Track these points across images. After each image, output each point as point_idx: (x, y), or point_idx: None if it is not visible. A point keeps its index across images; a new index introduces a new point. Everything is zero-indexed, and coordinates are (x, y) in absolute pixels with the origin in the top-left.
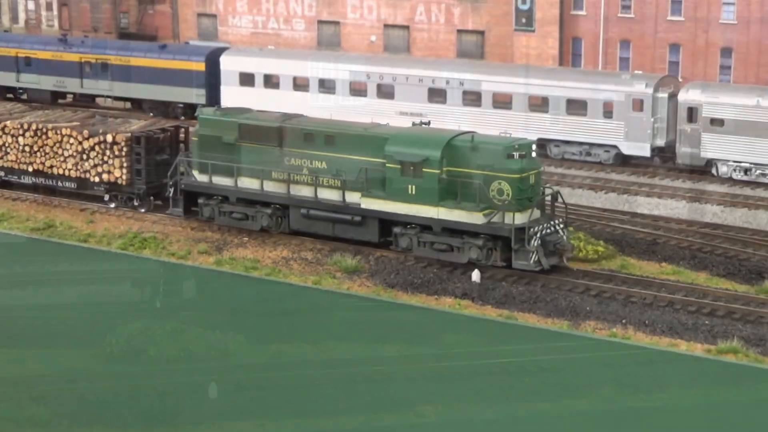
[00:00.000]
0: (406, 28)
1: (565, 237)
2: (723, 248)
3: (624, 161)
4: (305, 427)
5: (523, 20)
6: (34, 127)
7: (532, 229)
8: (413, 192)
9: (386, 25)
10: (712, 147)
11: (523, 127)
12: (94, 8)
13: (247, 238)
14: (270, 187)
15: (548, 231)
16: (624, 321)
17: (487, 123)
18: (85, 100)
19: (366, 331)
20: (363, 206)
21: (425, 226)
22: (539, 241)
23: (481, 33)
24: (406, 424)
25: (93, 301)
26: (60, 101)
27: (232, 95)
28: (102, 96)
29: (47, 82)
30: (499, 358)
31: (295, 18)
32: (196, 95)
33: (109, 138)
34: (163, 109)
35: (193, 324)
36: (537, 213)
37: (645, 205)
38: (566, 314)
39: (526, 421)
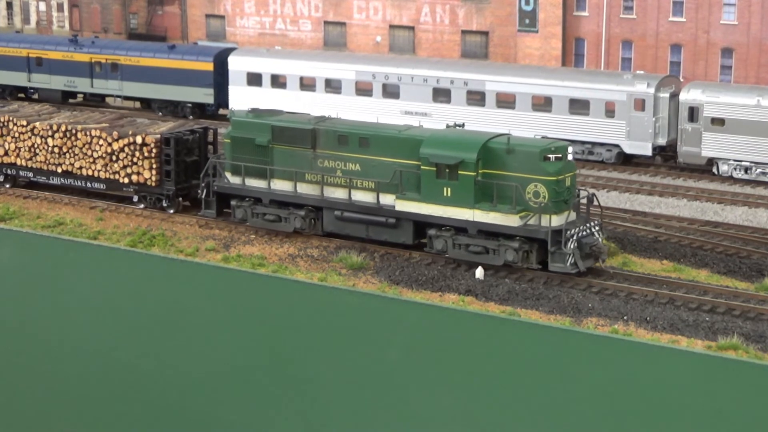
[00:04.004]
0: (411, 28)
1: (600, 239)
2: (723, 246)
3: (626, 160)
4: (306, 426)
5: (527, 21)
6: (63, 128)
7: (568, 232)
8: (448, 194)
9: (392, 26)
10: (713, 146)
11: (526, 126)
12: (105, 9)
13: (254, 235)
14: (303, 189)
15: (584, 233)
16: (625, 318)
17: (490, 122)
18: (95, 100)
19: (370, 327)
20: (397, 208)
21: (460, 228)
22: (576, 244)
23: (485, 34)
24: (407, 420)
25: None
26: (70, 101)
27: (239, 95)
28: (112, 95)
29: (58, 82)
30: (500, 354)
31: (301, 19)
32: (204, 95)
33: (139, 139)
34: (172, 108)
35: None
36: (573, 215)
37: (646, 204)
38: (568, 311)
39: (526, 416)
